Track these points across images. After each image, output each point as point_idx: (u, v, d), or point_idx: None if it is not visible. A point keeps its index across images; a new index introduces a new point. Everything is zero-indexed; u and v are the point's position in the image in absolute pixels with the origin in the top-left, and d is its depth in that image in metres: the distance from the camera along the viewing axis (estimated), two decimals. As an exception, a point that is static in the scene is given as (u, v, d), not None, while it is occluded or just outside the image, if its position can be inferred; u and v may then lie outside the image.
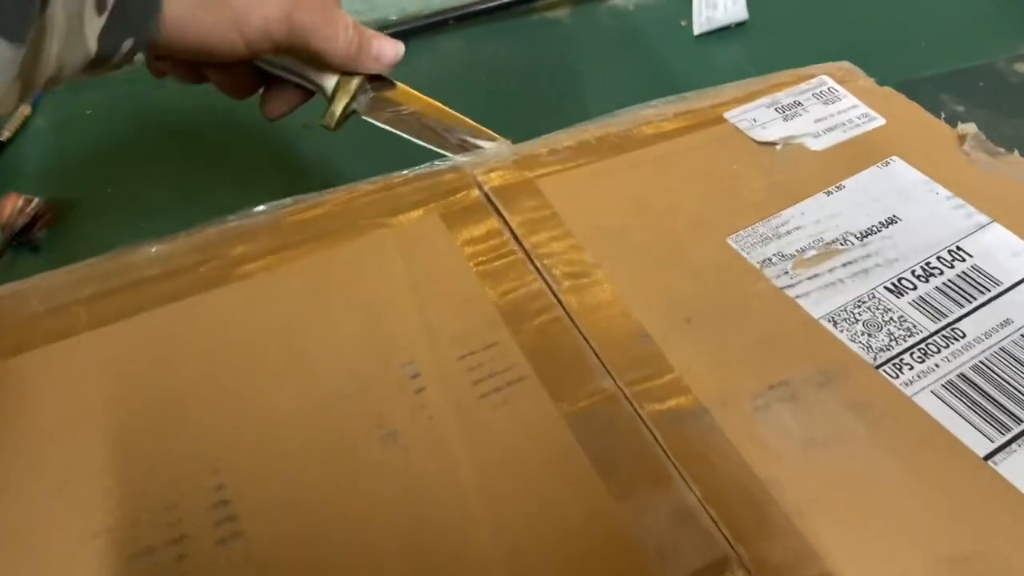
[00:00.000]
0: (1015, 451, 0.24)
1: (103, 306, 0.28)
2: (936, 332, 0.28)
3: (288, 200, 0.31)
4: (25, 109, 0.44)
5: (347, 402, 0.26)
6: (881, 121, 0.36)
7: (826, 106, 0.37)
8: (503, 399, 0.26)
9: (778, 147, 0.35)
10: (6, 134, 0.42)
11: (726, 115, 0.36)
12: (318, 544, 0.23)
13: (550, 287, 0.29)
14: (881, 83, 0.39)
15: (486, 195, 0.32)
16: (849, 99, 0.37)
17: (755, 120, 0.36)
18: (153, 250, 0.30)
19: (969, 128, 0.35)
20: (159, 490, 0.23)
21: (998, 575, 0.22)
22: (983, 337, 0.27)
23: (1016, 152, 0.34)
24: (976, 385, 0.26)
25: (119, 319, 0.28)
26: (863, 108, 0.36)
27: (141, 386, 0.26)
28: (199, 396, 0.26)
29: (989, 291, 0.29)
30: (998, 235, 0.31)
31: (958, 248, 0.30)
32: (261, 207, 0.31)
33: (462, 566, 0.22)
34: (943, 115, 0.36)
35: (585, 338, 0.27)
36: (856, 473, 0.24)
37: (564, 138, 0.35)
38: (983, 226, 0.31)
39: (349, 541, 0.23)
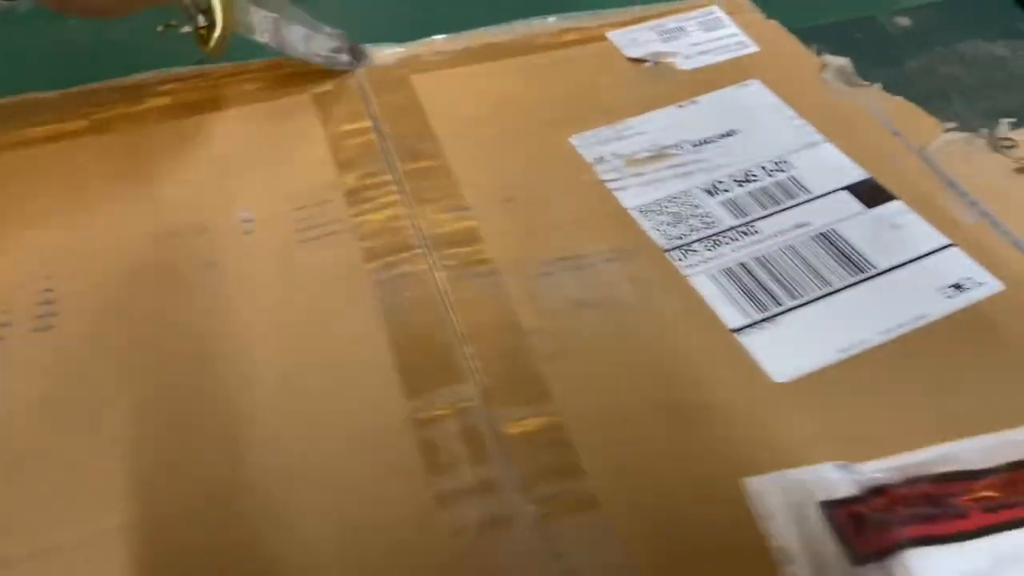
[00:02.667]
0: (765, 328, 0.26)
1: None
2: (733, 227, 0.29)
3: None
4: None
5: (182, 238, 0.29)
6: (755, 48, 0.37)
7: (707, 32, 0.38)
8: (320, 244, 0.29)
9: (647, 64, 0.37)
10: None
11: (608, 34, 0.38)
12: (129, 347, 0.26)
13: (393, 165, 0.32)
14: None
15: (360, 84, 0.35)
16: (731, 28, 0.39)
17: (635, 40, 0.38)
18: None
19: (835, 59, 0.36)
20: None
21: (705, 414, 0.24)
22: (775, 235, 0.29)
23: (879, 86, 0.36)
24: (751, 272, 0.28)
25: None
26: (741, 36, 0.38)
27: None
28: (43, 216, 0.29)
29: (796, 198, 0.31)
30: (827, 152, 0.32)
31: (784, 160, 0.32)
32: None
33: (241, 378, 0.25)
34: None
35: (411, 206, 0.30)
36: (613, 331, 0.26)
37: (452, 42, 0.37)
38: (816, 143, 0.33)
39: (153, 342, 0.26)
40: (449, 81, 0.35)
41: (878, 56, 0.38)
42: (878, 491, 0.22)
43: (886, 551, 0.21)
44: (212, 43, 0.31)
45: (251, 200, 0.30)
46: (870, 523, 0.21)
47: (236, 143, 0.32)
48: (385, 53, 0.37)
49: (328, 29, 0.35)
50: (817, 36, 0.38)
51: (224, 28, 0.30)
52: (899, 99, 0.35)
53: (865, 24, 0.42)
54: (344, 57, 0.35)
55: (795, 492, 0.22)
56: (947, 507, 0.21)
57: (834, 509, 0.22)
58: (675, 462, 0.23)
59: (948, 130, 0.33)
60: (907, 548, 0.20)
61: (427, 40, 0.37)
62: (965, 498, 0.22)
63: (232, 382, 0.25)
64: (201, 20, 0.30)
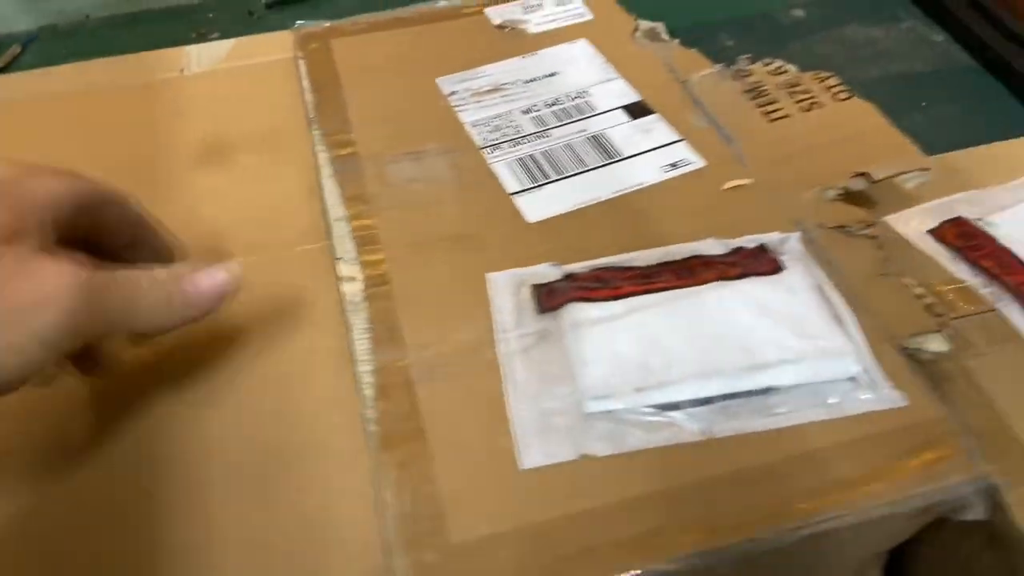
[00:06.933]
0: (533, 192, 0.38)
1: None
2: (533, 133, 0.42)
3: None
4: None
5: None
6: (590, 17, 0.49)
7: (558, 7, 0.50)
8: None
9: (505, 30, 0.49)
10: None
11: (486, 10, 0.51)
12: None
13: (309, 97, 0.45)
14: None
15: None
16: (578, 4, 0.51)
17: (502, 13, 0.50)
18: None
19: (645, 23, 0.48)
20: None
21: (478, 242, 0.36)
22: (561, 138, 0.41)
23: (678, 41, 0.47)
24: (535, 160, 0.40)
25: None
26: (582, 8, 0.50)
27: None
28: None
29: (585, 114, 0.42)
30: (617, 85, 0.44)
31: (585, 91, 0.44)
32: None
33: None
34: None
35: (316, 122, 0.43)
36: (426, 198, 0.38)
37: (367, 18, 0.51)
38: (611, 79, 0.45)
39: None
40: (358, 43, 0.48)
41: (771, 42, 0.49)
42: (568, 276, 0.34)
43: (558, 306, 0.32)
44: None
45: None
46: (554, 291, 0.33)
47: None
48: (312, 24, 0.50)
49: None
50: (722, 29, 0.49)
51: None
52: (686, 50, 0.46)
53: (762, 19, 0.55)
54: None
55: (518, 280, 0.34)
56: (607, 283, 0.33)
57: (538, 287, 0.34)
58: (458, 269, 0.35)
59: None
60: (570, 303, 0.32)
61: (350, 17, 0.51)
62: (622, 279, 0.33)
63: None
64: None
